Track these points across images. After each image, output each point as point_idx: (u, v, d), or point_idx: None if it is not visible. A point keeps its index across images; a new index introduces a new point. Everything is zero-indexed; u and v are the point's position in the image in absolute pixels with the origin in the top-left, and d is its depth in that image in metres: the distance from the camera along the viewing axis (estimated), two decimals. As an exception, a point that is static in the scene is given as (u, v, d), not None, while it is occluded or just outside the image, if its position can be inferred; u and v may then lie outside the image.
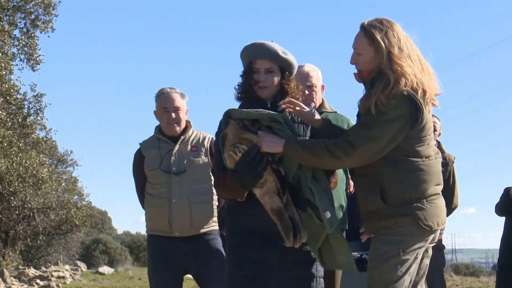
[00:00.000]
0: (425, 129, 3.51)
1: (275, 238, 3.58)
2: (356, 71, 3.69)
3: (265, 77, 3.74)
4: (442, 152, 7.01)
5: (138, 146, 5.13)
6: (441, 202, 3.61)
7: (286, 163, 3.57)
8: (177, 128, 5.01)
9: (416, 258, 3.52)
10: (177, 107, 4.99)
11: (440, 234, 7.06)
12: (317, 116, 3.76)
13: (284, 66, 3.80)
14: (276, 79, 3.77)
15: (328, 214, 3.48)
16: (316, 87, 4.81)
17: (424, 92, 3.46)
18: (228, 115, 3.67)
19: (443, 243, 7.15)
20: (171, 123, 4.99)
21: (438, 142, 7.05)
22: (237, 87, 3.85)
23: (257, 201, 3.57)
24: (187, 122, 5.12)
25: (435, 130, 6.96)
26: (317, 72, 4.85)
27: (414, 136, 3.48)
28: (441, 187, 3.64)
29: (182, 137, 5.02)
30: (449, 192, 6.99)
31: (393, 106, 3.39)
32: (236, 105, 3.89)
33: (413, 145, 3.49)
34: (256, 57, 3.77)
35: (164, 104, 5.00)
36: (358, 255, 5.79)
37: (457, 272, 27.64)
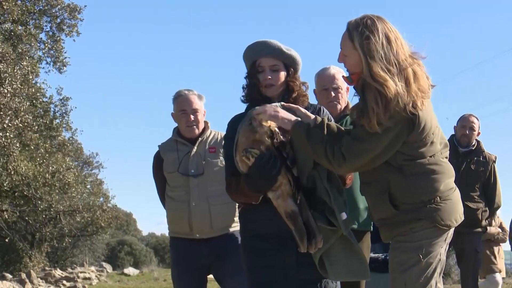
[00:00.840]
0: (425, 130, 3.30)
1: (289, 240, 3.51)
2: (346, 73, 3.51)
3: (270, 75, 3.66)
4: (482, 151, 6.98)
5: (158, 149, 5.11)
6: (456, 195, 3.42)
7: (301, 163, 3.46)
8: (196, 131, 4.97)
9: (440, 260, 3.37)
10: (195, 109, 4.95)
11: (479, 236, 7.04)
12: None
13: (289, 63, 3.72)
14: (282, 77, 3.69)
15: (344, 215, 3.39)
16: (341, 89, 4.81)
17: (417, 96, 3.24)
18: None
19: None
20: (190, 125, 4.95)
21: (478, 142, 7.02)
22: (242, 89, 3.78)
23: (271, 203, 3.48)
24: (205, 122, 5.08)
25: (473, 129, 6.94)
26: (342, 74, 4.86)
27: (414, 140, 3.30)
28: (453, 179, 3.45)
29: (200, 138, 4.97)
30: (490, 192, 6.96)
31: (387, 118, 3.20)
32: (242, 107, 3.85)
33: (415, 149, 3.32)
34: (260, 55, 3.69)
35: (182, 106, 4.96)
36: (383, 256, 5.80)
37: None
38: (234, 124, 3.68)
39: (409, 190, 3.31)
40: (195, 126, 4.96)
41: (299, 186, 3.43)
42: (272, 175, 3.34)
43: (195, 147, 4.94)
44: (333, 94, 4.78)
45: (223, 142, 3.87)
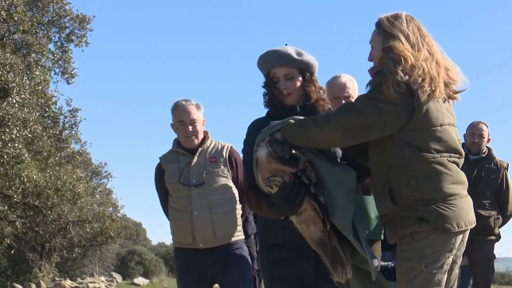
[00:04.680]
0: (428, 118, 3.21)
1: (308, 250, 3.45)
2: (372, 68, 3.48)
3: (286, 84, 3.64)
4: (493, 158, 6.97)
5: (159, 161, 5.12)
6: (463, 203, 3.29)
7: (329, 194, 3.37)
8: (195, 141, 4.97)
9: (446, 270, 3.26)
10: (193, 119, 4.94)
11: (492, 244, 7.00)
12: None
13: (303, 68, 3.68)
14: (298, 83, 3.67)
15: (375, 262, 3.31)
16: (353, 98, 4.78)
17: (430, 80, 3.22)
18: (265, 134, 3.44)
19: (494, 252, 7.08)
20: (189, 136, 4.95)
21: (489, 149, 7.01)
22: (263, 96, 3.76)
23: None
24: (205, 132, 5.07)
25: (483, 137, 6.93)
26: (353, 83, 4.84)
27: (416, 128, 3.21)
28: (462, 186, 3.32)
29: (200, 148, 4.97)
30: (503, 199, 6.93)
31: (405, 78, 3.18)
32: (264, 111, 3.83)
33: (418, 138, 3.22)
34: (272, 66, 3.68)
35: (180, 117, 4.96)
36: (392, 264, 5.78)
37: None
38: (255, 128, 3.63)
39: (408, 186, 3.23)
40: (194, 137, 4.96)
41: (326, 213, 3.32)
42: (296, 203, 3.27)
43: (196, 157, 4.94)
44: (344, 102, 4.77)
45: (243, 146, 3.81)
